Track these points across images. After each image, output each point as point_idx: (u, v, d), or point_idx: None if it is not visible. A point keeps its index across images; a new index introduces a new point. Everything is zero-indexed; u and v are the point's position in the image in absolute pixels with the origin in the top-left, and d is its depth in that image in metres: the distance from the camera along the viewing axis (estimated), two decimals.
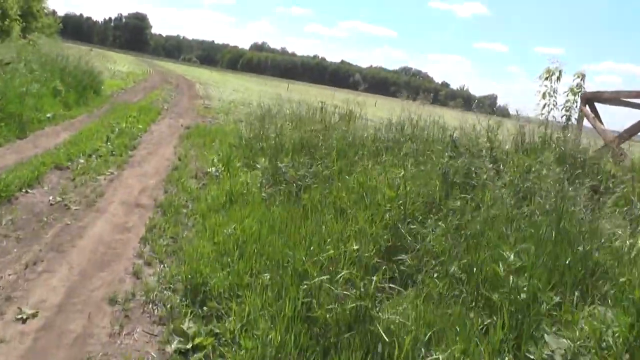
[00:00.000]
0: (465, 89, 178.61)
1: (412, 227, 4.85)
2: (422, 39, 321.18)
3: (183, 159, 9.80)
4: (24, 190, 6.69)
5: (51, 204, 6.44)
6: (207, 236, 5.69)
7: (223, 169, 8.64)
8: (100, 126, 11.53)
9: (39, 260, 4.89)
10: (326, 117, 9.62)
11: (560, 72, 8.31)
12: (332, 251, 4.30)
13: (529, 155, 6.71)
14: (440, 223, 4.95)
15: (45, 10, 31.38)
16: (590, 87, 9.14)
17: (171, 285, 4.73)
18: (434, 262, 4.19)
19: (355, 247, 4.41)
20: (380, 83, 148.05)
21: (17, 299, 4.17)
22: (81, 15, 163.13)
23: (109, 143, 10.00)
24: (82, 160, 8.50)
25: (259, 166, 7.74)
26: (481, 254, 4.11)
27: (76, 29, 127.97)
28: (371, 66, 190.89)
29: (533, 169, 6.05)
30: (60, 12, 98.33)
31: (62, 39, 29.69)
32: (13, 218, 5.79)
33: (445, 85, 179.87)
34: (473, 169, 5.84)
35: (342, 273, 3.90)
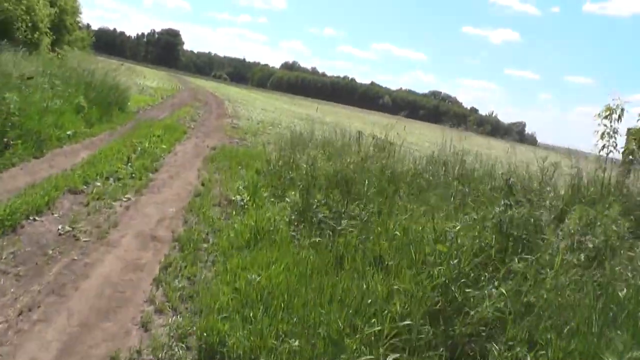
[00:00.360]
0: (493, 116, 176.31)
1: (466, 290, 4.15)
2: (453, 63, 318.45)
3: (207, 184, 9.23)
4: (31, 218, 6.12)
5: (60, 234, 5.88)
6: (228, 279, 5.08)
7: (249, 198, 8.04)
8: (121, 145, 11.00)
9: (36, 306, 4.30)
10: (362, 146, 8.94)
11: (622, 110, 7.55)
12: (377, 327, 3.60)
13: (590, 205, 5.95)
14: (496, 284, 4.27)
15: (80, 24, 31.41)
16: (626, 120, 8.38)
17: (184, 342, 4.10)
18: (502, 347, 3.45)
19: (405, 323, 3.70)
20: (409, 106, 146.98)
21: (2, 357, 3.56)
22: (114, 30, 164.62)
23: (129, 164, 9.46)
24: (98, 184, 7.96)
25: (288, 200, 7.11)
26: (567, 342, 3.37)
27: (109, 43, 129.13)
28: (400, 89, 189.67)
29: (599, 223, 5.31)
30: (94, 26, 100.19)
31: (94, 53, 29.70)
32: (15, 251, 5.22)
33: (474, 110, 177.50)
34: (532, 220, 5.12)
35: (390, 357, 3.19)
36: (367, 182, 6.92)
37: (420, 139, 26.67)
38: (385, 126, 10.24)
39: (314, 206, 6.21)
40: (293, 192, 7.41)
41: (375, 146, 9.02)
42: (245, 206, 7.70)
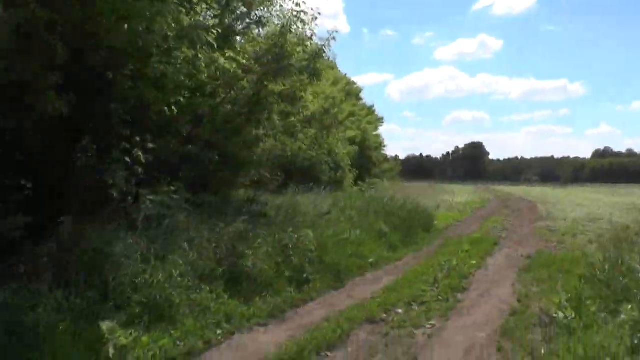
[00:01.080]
0: None
1: None
2: None
3: (523, 300, 8.18)
4: (322, 353, 5.89)
5: None
6: None
7: (574, 314, 6.74)
8: (426, 267, 10.63)
9: None
10: None
11: None
12: None
13: None
14: None
15: (388, 157, 33.81)
16: None
17: None
18: None
19: None
20: None
21: None
22: (421, 155, 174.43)
23: (435, 286, 8.96)
24: (399, 310, 7.56)
25: (624, 316, 5.69)
26: None
27: (417, 168, 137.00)
28: None
29: None
30: (402, 156, 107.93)
31: (403, 180, 31.42)
32: None
33: None
34: None
35: None
36: None
37: None
38: None
39: None
40: (630, 306, 5.94)
41: None
42: (571, 325, 6.44)
